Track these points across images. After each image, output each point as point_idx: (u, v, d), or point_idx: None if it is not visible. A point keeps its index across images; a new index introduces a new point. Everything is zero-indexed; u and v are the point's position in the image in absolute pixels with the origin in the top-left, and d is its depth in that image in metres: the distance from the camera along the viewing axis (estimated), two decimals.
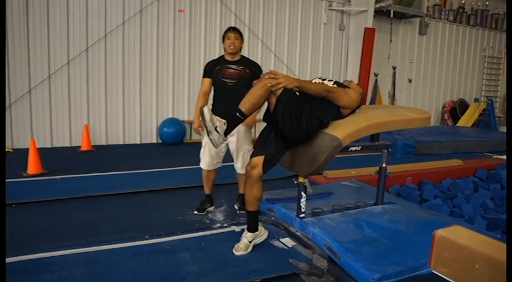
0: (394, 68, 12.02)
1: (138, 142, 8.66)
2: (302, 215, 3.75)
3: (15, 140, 7.60)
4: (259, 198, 3.39)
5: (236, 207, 4.50)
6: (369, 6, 10.46)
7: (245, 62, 4.25)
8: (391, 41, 11.38)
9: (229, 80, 4.12)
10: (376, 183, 4.37)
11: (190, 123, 8.95)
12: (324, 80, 3.55)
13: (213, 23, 9.13)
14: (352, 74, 10.89)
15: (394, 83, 12.06)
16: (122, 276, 3.02)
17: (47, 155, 6.35)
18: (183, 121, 8.78)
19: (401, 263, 3.07)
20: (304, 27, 10.23)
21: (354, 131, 3.42)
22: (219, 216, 4.34)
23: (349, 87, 3.59)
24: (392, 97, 12.00)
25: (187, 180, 5.55)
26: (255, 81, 3.73)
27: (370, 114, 3.86)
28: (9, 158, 6.89)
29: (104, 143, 8.27)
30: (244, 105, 3.14)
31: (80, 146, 7.76)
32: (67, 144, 8.02)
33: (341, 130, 3.37)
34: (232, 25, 9.04)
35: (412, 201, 5.26)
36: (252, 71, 4.17)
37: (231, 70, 4.14)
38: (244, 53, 9.81)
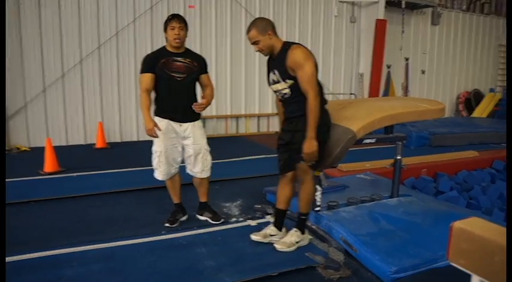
0: (406, 60, 11.89)
1: (152, 138, 8.67)
2: (317, 209, 3.75)
3: (31, 138, 7.71)
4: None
5: (205, 218, 4.03)
6: None
7: (191, 54, 3.79)
8: (403, 32, 11.25)
9: (178, 75, 3.64)
10: (391, 176, 4.34)
11: (204, 118, 8.87)
12: (277, 82, 3.27)
13: (223, 18, 9.12)
14: (364, 66, 10.83)
15: (407, 75, 11.94)
16: (140, 271, 3.05)
17: (62, 152, 6.41)
18: None
19: (418, 255, 3.06)
20: (315, 20, 10.17)
21: (367, 123, 3.40)
22: (235, 211, 4.35)
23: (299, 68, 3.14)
24: (406, 89, 11.88)
25: None
26: (202, 75, 3.77)
27: (384, 106, 3.84)
28: (26, 156, 7.01)
29: (118, 140, 8.34)
30: (282, 204, 3.51)
31: (94, 144, 7.84)
32: (82, 142, 8.10)
33: (355, 122, 3.36)
34: (243, 20, 9.16)
35: (427, 194, 5.24)
36: (199, 64, 3.77)
37: (179, 63, 3.65)
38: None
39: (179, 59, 3.65)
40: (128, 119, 8.42)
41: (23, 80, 7.56)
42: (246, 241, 3.49)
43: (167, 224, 3.89)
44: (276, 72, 3.21)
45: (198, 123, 3.83)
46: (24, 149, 7.45)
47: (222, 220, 3.98)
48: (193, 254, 3.32)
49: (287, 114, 3.34)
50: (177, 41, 3.59)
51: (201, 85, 3.86)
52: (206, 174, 3.90)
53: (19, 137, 7.66)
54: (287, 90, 3.21)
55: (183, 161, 3.90)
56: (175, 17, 3.62)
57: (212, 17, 9.01)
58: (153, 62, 3.62)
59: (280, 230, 3.53)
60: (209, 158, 3.90)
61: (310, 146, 3.12)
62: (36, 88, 7.66)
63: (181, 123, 3.71)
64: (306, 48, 3.18)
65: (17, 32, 7.41)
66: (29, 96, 7.62)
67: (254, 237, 3.49)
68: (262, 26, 3.20)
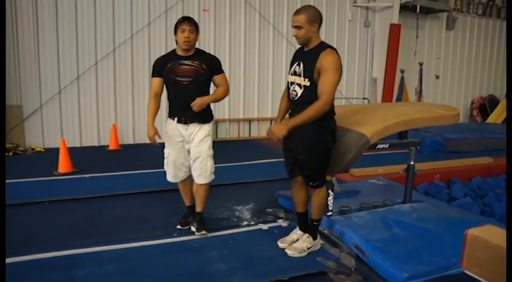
0: (420, 64, 11.82)
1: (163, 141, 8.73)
2: (329, 213, 3.74)
3: (46, 139, 7.79)
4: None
5: (193, 228, 3.81)
6: (394, 2, 10.30)
7: (201, 56, 3.66)
8: (417, 36, 11.19)
9: (184, 79, 3.56)
10: (403, 181, 4.32)
11: (216, 121, 9.03)
12: (297, 75, 3.21)
13: (238, 21, 9.14)
14: (377, 71, 10.77)
15: (420, 80, 11.87)
16: (152, 273, 3.07)
17: (76, 154, 6.48)
18: None
19: (431, 262, 3.03)
20: (329, 24, 10.15)
21: (381, 128, 3.39)
22: (246, 214, 4.36)
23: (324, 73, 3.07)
24: (419, 93, 11.81)
25: (215, 178, 5.55)
26: (215, 77, 3.69)
27: (398, 111, 3.83)
28: (40, 157, 7.09)
29: (131, 142, 8.39)
30: (300, 207, 3.53)
31: (108, 145, 7.90)
32: (95, 144, 8.17)
33: (368, 127, 3.35)
34: (257, 24, 9.19)
35: (440, 200, 5.18)
36: (209, 65, 3.63)
37: (186, 67, 3.56)
38: (269, 51, 9.76)
39: (187, 62, 3.57)
40: (141, 121, 8.46)
41: (39, 82, 7.66)
42: (257, 245, 3.50)
43: (179, 226, 3.89)
44: (302, 65, 3.15)
45: (205, 127, 3.71)
46: (39, 149, 7.54)
47: (204, 232, 3.71)
48: (205, 257, 3.34)
49: (293, 115, 3.25)
50: (186, 43, 3.52)
51: (215, 86, 3.78)
52: (204, 180, 3.74)
53: (34, 138, 7.75)
54: (299, 90, 3.17)
55: None
56: (185, 20, 3.55)
57: (226, 20, 9.03)
58: (161, 66, 3.62)
59: (305, 232, 3.53)
60: (209, 163, 3.74)
61: (278, 129, 3.09)
62: (52, 90, 7.75)
63: (187, 127, 3.65)
64: (339, 56, 3.11)
65: (34, 35, 7.52)
66: (45, 97, 7.71)
67: (282, 245, 3.48)
68: (313, 16, 3.12)
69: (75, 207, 4.54)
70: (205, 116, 3.72)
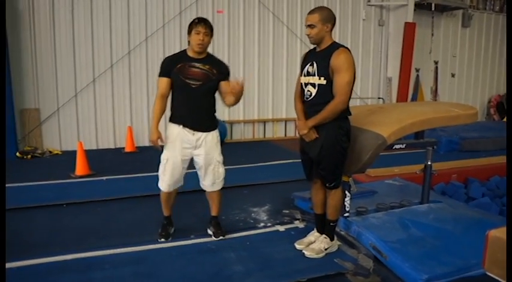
0: (436, 63, 11.71)
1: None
2: (346, 214, 3.72)
3: (63, 142, 7.89)
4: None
5: (210, 232, 3.82)
6: (409, 0, 10.24)
7: (212, 60, 3.58)
8: (432, 35, 11.09)
9: (194, 82, 3.44)
10: (420, 181, 4.28)
11: (231, 123, 9.05)
12: (312, 75, 3.21)
13: (251, 22, 9.16)
14: (392, 70, 10.69)
15: (436, 78, 11.75)
16: (170, 275, 3.09)
17: (93, 156, 6.54)
18: (223, 121, 8.82)
19: (450, 263, 3.00)
20: (343, 23, 10.10)
21: (398, 128, 3.37)
22: (263, 216, 4.36)
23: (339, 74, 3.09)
24: (435, 92, 11.70)
25: (231, 180, 5.49)
26: (223, 82, 3.55)
27: (415, 111, 3.80)
28: (58, 159, 7.18)
29: (146, 144, 8.41)
30: (318, 209, 3.53)
31: (123, 148, 7.96)
32: (111, 146, 8.25)
33: (385, 128, 3.33)
34: (271, 24, 9.19)
35: (458, 200, 5.12)
36: (219, 71, 3.54)
37: (196, 70, 3.45)
38: (283, 52, 9.75)
39: (197, 65, 3.47)
40: None
41: (56, 86, 7.76)
42: (274, 246, 3.50)
43: (162, 239, 3.70)
44: (315, 65, 3.17)
45: (213, 133, 3.61)
46: (56, 152, 7.63)
47: (221, 237, 3.73)
48: (222, 258, 3.34)
49: (308, 117, 3.24)
50: (200, 46, 3.42)
51: (221, 93, 3.61)
52: (217, 187, 3.70)
53: (51, 141, 7.85)
54: (313, 90, 3.18)
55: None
56: (201, 21, 3.44)
57: (240, 21, 9.05)
58: (170, 66, 3.49)
59: (323, 233, 3.53)
60: (221, 170, 3.69)
61: (303, 126, 3.18)
62: (69, 93, 7.84)
63: (194, 132, 3.52)
64: (351, 55, 3.13)
65: (51, 39, 7.62)
66: (62, 101, 7.80)
67: (299, 246, 3.50)
68: (327, 16, 3.17)
69: (93, 209, 4.59)
70: (212, 123, 3.64)
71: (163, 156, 3.61)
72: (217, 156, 3.63)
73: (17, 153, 7.20)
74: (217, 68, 3.55)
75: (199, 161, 3.59)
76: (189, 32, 3.46)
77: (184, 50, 3.58)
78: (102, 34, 7.96)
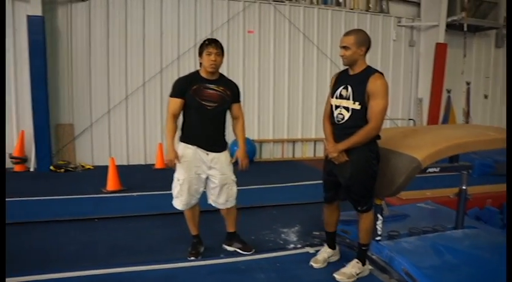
0: (468, 84, 11.49)
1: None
2: (378, 238, 3.65)
3: (95, 157, 8.08)
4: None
5: (233, 249, 3.89)
6: (440, 21, 10.14)
7: (225, 81, 3.62)
8: (465, 56, 10.90)
9: (210, 103, 3.47)
10: (453, 206, 4.19)
11: (260, 142, 9.09)
12: (346, 99, 3.20)
13: (282, 43, 9.25)
14: (423, 91, 10.58)
15: (468, 100, 11.52)
16: None
17: (123, 172, 6.64)
18: (253, 140, 8.86)
19: None
20: (373, 44, 9.81)
21: (434, 152, 3.31)
22: (292, 237, 4.33)
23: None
24: (467, 114, 11.45)
25: (260, 199, 5.56)
26: (235, 105, 3.65)
27: (450, 134, 3.74)
28: (90, 174, 7.35)
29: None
30: (332, 227, 3.60)
31: (153, 164, 8.07)
32: (142, 162, 8.39)
33: (420, 151, 3.28)
34: (301, 44, 9.24)
35: (493, 226, 4.97)
36: (232, 92, 3.60)
37: (211, 91, 3.48)
38: (313, 72, 9.76)
39: (212, 86, 3.50)
40: None
41: (90, 102, 8.00)
42: (304, 268, 3.47)
43: (192, 257, 3.73)
44: (350, 89, 3.16)
45: (226, 153, 3.68)
46: (88, 167, 7.80)
47: (253, 250, 3.82)
48: (252, 279, 3.32)
49: (338, 140, 3.22)
50: (213, 66, 3.44)
51: (232, 115, 3.71)
52: (230, 204, 3.76)
53: (84, 156, 8.05)
54: (346, 113, 3.17)
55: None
56: (212, 42, 3.47)
57: (270, 41, 9.16)
58: (184, 88, 3.49)
59: (334, 249, 3.64)
60: (234, 188, 3.75)
61: (333, 150, 3.15)
62: (102, 110, 8.06)
63: (208, 152, 3.56)
64: (386, 81, 3.15)
65: (87, 58, 7.89)
66: (95, 117, 8.01)
67: (316, 265, 3.50)
68: (362, 39, 3.17)
69: (124, 225, 4.65)
70: (224, 143, 3.72)
71: (177, 176, 3.64)
72: (231, 175, 3.70)
73: (51, 167, 7.39)
74: (230, 90, 3.60)
75: (214, 180, 3.63)
76: (200, 54, 3.50)
77: (197, 71, 3.61)
78: (135, 52, 8.19)
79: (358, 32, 3.24)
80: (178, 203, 3.69)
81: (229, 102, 3.59)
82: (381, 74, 3.14)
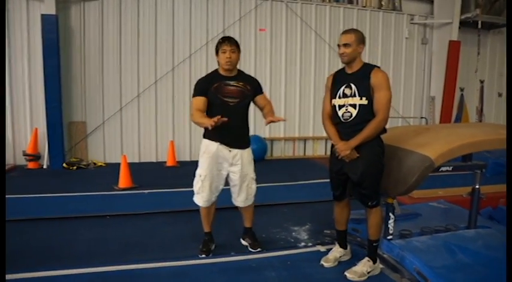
0: (481, 82, 11.35)
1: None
2: (390, 237, 3.63)
3: (107, 154, 8.15)
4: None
5: (246, 243, 3.97)
6: (453, 18, 10.02)
7: (244, 77, 3.68)
8: (478, 53, 10.77)
9: (232, 100, 3.54)
10: (466, 205, 4.15)
11: (271, 140, 9.08)
12: (350, 96, 3.24)
13: (294, 41, 9.23)
14: (436, 89, 10.47)
15: (481, 98, 11.39)
16: None
17: (135, 169, 6.68)
18: (264, 138, 8.86)
19: None
20: (385, 42, 10.01)
21: (446, 150, 3.27)
22: (304, 235, 4.32)
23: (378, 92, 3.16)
24: (480, 112, 11.33)
25: (271, 197, 5.55)
26: (258, 97, 3.69)
27: (463, 133, 3.69)
28: (102, 171, 7.40)
29: (187, 159, 8.57)
30: (343, 226, 3.60)
31: (165, 162, 8.11)
32: (153, 160, 8.43)
33: (432, 149, 3.24)
34: (312, 42, 9.21)
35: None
36: (252, 86, 3.66)
37: (232, 87, 3.55)
38: (324, 71, 9.73)
39: (232, 82, 3.56)
40: (198, 138, 8.55)
41: (102, 100, 8.07)
42: (315, 267, 3.45)
43: (203, 255, 3.74)
44: (354, 86, 3.21)
45: (248, 150, 3.72)
46: (100, 164, 7.86)
47: (259, 249, 3.84)
48: (263, 277, 3.32)
49: (346, 138, 3.22)
50: (229, 64, 3.51)
51: (259, 106, 3.75)
52: (249, 202, 3.82)
53: (96, 153, 8.13)
54: (354, 110, 3.20)
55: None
56: (226, 40, 3.56)
57: (282, 39, 9.14)
58: (206, 87, 3.54)
59: (346, 248, 3.63)
60: (254, 186, 3.79)
61: (345, 147, 3.15)
62: (114, 107, 8.12)
63: (231, 149, 3.60)
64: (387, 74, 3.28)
65: (99, 57, 7.97)
66: (107, 115, 8.08)
67: (327, 264, 3.49)
68: (361, 37, 3.31)
69: (136, 222, 4.68)
70: (247, 140, 3.75)
71: (199, 172, 3.70)
72: (251, 173, 3.74)
73: (64, 164, 7.47)
74: (250, 84, 3.66)
75: (234, 177, 3.68)
76: (216, 52, 3.60)
77: (216, 70, 3.68)
78: (147, 51, 8.23)
79: (356, 30, 3.38)
80: (199, 199, 3.74)
81: (250, 97, 3.64)
82: (380, 68, 3.27)
